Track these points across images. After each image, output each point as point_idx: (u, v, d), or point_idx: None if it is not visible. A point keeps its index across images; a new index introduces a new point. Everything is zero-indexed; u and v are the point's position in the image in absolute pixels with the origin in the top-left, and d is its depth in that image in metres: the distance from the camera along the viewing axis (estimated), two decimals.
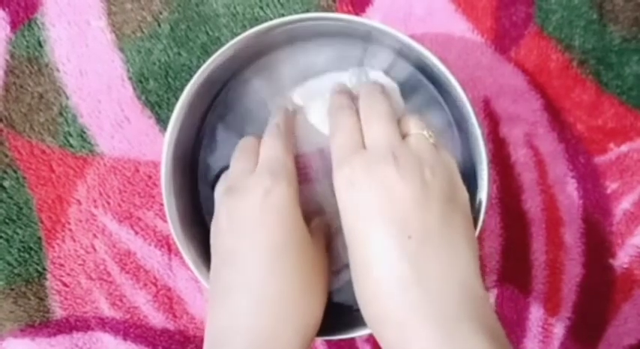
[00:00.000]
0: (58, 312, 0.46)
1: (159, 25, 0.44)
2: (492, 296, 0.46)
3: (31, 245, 0.46)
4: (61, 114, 0.45)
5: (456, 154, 0.40)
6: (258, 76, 0.40)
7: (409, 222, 0.28)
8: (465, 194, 0.32)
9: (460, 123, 0.38)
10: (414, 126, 0.33)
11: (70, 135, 0.45)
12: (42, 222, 0.46)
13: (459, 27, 0.44)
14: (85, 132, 0.45)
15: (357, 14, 0.44)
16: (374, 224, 0.29)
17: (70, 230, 0.46)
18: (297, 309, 0.30)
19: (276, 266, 0.30)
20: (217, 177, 0.37)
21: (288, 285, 0.30)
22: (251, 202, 0.31)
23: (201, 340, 0.47)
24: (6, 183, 0.46)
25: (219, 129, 0.41)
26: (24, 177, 0.45)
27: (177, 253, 0.45)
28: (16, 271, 0.46)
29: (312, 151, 0.38)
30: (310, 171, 0.38)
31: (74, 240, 0.46)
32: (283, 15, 0.44)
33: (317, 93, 0.39)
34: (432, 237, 0.28)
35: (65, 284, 0.46)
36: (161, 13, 0.44)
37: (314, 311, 0.31)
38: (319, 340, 0.46)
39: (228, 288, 0.30)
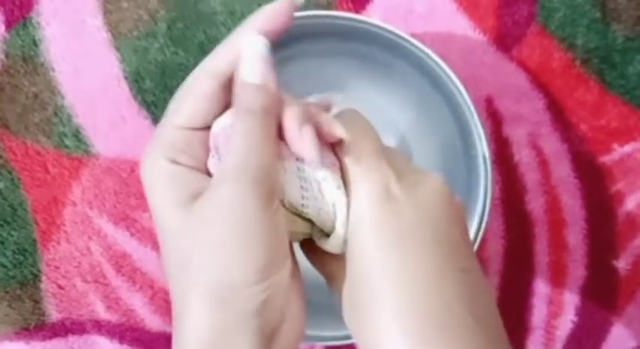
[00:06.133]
0: (54, 315, 0.46)
1: (155, 24, 0.44)
2: (494, 298, 0.46)
3: (26, 247, 0.46)
4: (56, 114, 0.45)
5: (459, 154, 0.40)
6: None
7: (463, 253, 0.25)
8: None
9: (462, 123, 0.38)
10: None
11: (65, 136, 0.45)
12: (37, 223, 0.45)
13: (461, 25, 0.44)
14: (80, 133, 0.45)
15: (357, 12, 0.44)
16: (421, 251, 0.24)
17: (66, 232, 0.46)
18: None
19: None
20: None
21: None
22: None
23: None
24: (0, 185, 0.45)
25: None
26: (19, 178, 0.45)
27: None
28: (10, 273, 0.46)
29: None
30: None
31: (69, 242, 0.46)
32: None
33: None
34: (476, 271, 0.25)
35: (60, 287, 0.46)
36: (158, 12, 0.44)
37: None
38: (320, 346, 0.46)
39: None
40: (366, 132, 0.26)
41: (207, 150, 0.26)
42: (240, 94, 0.25)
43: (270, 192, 0.24)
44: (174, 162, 0.25)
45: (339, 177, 0.25)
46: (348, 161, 0.26)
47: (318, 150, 0.24)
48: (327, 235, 0.26)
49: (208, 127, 0.26)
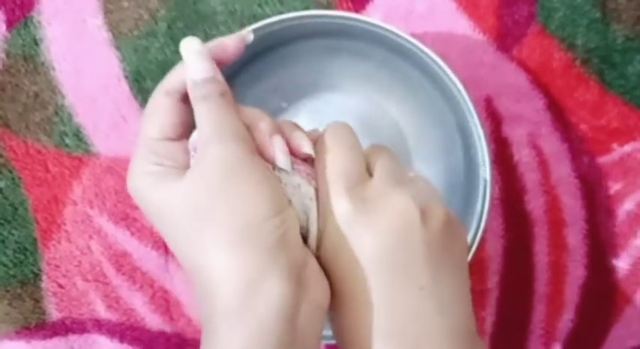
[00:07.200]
0: (54, 314, 0.46)
1: (156, 23, 0.44)
2: (494, 297, 0.46)
3: (27, 246, 0.46)
4: (56, 113, 0.45)
5: (458, 154, 0.40)
6: (257, 80, 0.40)
7: (422, 271, 0.25)
8: (466, 242, 0.29)
9: (462, 123, 0.38)
10: (410, 170, 0.30)
11: (66, 135, 0.45)
12: (37, 222, 0.45)
13: (461, 25, 0.44)
14: (80, 132, 0.45)
15: (357, 11, 0.44)
16: (380, 271, 0.25)
17: (66, 231, 0.46)
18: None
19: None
20: None
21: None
22: None
23: (199, 343, 0.47)
24: (1, 184, 0.45)
25: None
26: (19, 178, 0.45)
27: (174, 255, 0.45)
28: (11, 272, 0.46)
29: None
30: None
31: (70, 241, 0.46)
32: (282, 12, 0.44)
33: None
34: (442, 285, 0.26)
35: (61, 286, 0.46)
36: (158, 11, 0.44)
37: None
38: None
39: None
40: (338, 151, 0.28)
41: (189, 155, 0.28)
42: (193, 91, 0.27)
43: (253, 149, 0.26)
44: (161, 165, 0.27)
45: (313, 188, 0.27)
46: (317, 180, 0.27)
47: (288, 156, 0.26)
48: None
49: (186, 137, 0.28)
